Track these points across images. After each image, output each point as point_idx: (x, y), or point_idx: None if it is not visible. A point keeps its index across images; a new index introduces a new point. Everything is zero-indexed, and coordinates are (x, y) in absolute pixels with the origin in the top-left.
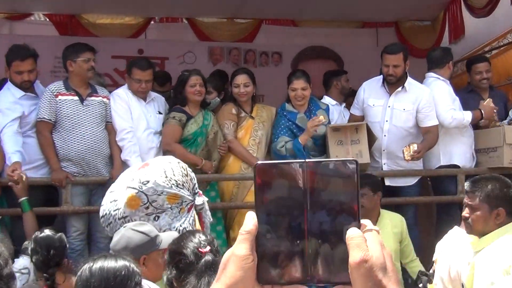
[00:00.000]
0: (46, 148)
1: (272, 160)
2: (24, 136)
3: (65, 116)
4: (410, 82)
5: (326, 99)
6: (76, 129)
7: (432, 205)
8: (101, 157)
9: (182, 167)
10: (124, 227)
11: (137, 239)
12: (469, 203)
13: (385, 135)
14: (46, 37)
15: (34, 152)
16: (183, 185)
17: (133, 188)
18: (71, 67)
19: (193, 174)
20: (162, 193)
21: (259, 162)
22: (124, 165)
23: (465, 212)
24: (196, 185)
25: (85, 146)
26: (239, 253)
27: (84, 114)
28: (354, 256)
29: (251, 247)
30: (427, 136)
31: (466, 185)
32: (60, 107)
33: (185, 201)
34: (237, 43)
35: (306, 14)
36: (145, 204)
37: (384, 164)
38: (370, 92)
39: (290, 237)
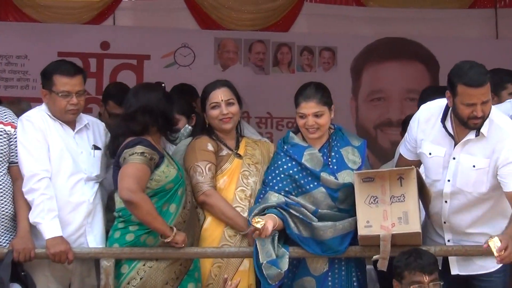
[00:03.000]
0: None
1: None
2: None
3: None
4: (492, 120)
5: None
6: None
7: None
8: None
9: None
10: None
11: None
12: None
13: (446, 201)
14: None
15: None
16: None
17: None
18: None
19: None
20: None
21: None
22: (34, 229)
23: None
24: None
25: None
26: None
27: None
28: None
29: None
30: None
31: None
32: None
33: None
34: (263, 32)
35: None
36: None
37: (449, 241)
38: (427, 130)
39: None
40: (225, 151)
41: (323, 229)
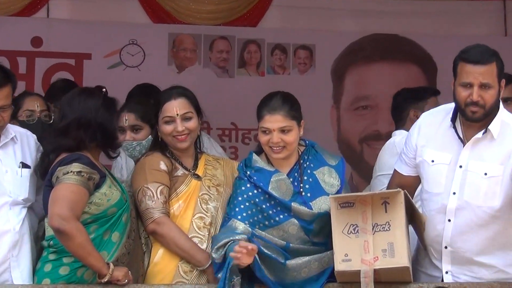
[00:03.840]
0: None
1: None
2: None
3: None
4: (503, 120)
5: (400, 136)
6: None
7: None
8: None
9: None
10: None
11: None
12: None
13: (449, 220)
14: None
15: None
16: None
17: None
18: None
19: None
20: None
21: None
22: None
23: None
24: None
25: None
26: None
27: None
28: None
29: None
30: None
31: None
32: None
33: None
34: (227, 27)
35: None
36: None
37: (447, 272)
38: (430, 135)
39: None
40: (180, 171)
41: (297, 270)
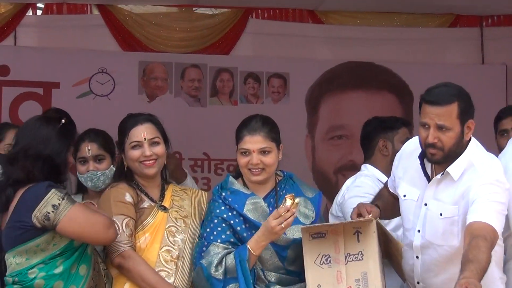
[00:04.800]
0: None
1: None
2: None
3: None
4: (470, 160)
5: (366, 170)
6: None
7: None
8: None
9: None
10: None
11: None
12: None
13: (417, 257)
14: None
15: None
16: None
17: None
18: None
19: None
20: None
21: None
22: None
23: None
24: None
25: None
26: None
27: None
28: None
29: None
30: (473, 245)
31: None
32: None
33: None
34: (199, 55)
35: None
36: None
37: None
38: (406, 168)
39: None
40: (146, 203)
41: None
